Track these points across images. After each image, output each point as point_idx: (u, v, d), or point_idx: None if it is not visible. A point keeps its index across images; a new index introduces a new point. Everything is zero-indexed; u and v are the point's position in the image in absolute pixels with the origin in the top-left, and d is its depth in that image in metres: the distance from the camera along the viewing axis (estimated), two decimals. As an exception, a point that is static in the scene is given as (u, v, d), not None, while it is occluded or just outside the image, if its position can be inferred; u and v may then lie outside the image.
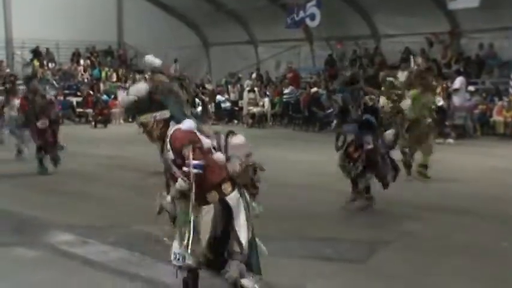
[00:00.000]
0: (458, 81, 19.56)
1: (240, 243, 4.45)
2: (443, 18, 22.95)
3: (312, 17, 23.82)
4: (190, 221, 4.38)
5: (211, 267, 4.57)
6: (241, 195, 4.52)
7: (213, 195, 4.43)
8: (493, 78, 21.53)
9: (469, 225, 8.00)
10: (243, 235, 4.46)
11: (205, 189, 4.40)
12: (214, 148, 4.53)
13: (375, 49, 25.37)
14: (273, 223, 8.09)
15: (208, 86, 27.97)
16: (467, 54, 22.62)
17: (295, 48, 27.64)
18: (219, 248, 4.48)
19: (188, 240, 4.40)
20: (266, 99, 24.48)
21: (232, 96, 26.51)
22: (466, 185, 10.88)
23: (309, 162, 13.37)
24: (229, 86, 27.27)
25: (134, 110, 4.61)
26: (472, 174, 11.69)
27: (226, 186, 4.45)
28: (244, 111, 24.60)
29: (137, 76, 27.98)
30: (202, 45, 31.33)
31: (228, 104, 25.91)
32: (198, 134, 4.43)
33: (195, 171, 4.26)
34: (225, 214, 4.44)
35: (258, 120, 24.16)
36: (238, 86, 26.80)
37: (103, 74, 28.54)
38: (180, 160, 4.36)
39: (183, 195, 4.39)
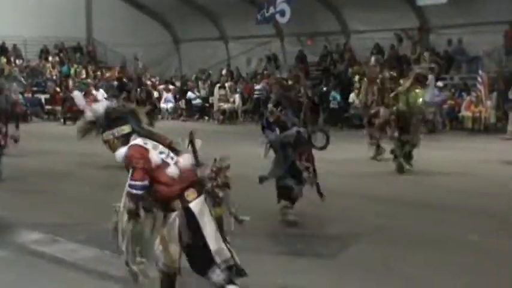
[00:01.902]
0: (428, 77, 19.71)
1: (210, 253, 4.38)
2: (412, 14, 23.13)
3: (282, 13, 23.82)
4: (144, 234, 4.43)
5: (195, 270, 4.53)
6: (206, 199, 4.47)
7: (176, 204, 4.38)
8: (462, 74, 21.77)
9: (439, 218, 8.07)
10: (212, 243, 4.38)
11: (166, 201, 4.39)
12: (174, 156, 4.49)
13: (345, 45, 25.48)
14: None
15: (177, 83, 27.87)
16: (436, 50, 22.83)
17: (265, 44, 27.63)
18: (195, 255, 4.43)
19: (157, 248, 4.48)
20: (237, 96, 24.45)
21: (203, 92, 26.42)
22: (436, 180, 10.97)
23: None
24: (199, 82, 27.18)
25: (92, 130, 4.72)
26: (442, 169, 11.78)
27: (189, 193, 4.39)
28: (215, 108, 24.55)
29: (106, 74, 27.78)
30: (172, 41, 31.15)
31: (198, 101, 25.82)
32: (147, 149, 4.38)
33: (133, 191, 4.27)
34: (191, 222, 4.37)
35: (229, 117, 24.13)
36: (209, 82, 26.73)
37: (72, 71, 28.22)
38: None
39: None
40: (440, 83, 19.87)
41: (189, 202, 4.38)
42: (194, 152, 4.54)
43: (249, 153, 14.18)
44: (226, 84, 24.76)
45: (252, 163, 12.72)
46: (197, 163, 4.51)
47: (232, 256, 4.46)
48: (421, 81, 11.68)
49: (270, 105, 8.14)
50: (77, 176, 11.50)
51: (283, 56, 27.63)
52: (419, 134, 11.61)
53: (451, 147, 15.09)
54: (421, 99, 11.48)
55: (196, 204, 4.39)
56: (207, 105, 25.70)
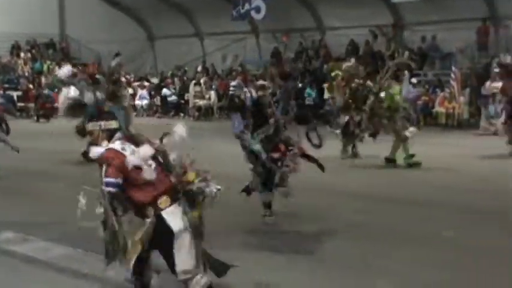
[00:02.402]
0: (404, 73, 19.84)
1: (177, 265, 4.35)
2: (387, 11, 23.24)
3: (258, 9, 23.81)
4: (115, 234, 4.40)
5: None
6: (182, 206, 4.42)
7: (149, 211, 4.33)
8: (435, 70, 21.93)
9: (415, 214, 8.10)
10: (183, 258, 4.33)
11: (139, 206, 4.35)
12: (154, 159, 4.43)
13: (320, 41, 25.52)
14: (217, 217, 8.05)
15: (153, 80, 27.70)
16: (410, 46, 22.96)
17: (241, 41, 27.58)
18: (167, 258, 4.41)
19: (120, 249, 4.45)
20: (212, 92, 24.39)
21: (179, 89, 26.28)
22: (411, 175, 11.04)
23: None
24: (175, 79, 27.06)
25: (79, 113, 4.68)
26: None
27: (162, 201, 4.34)
28: (191, 104, 24.45)
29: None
30: (147, 38, 30.95)
31: (174, 98, 25.69)
32: (124, 155, 4.32)
33: (107, 189, 4.25)
34: (163, 229, 4.32)
35: (204, 113, 24.05)
36: (184, 79, 26.60)
37: (45, 67, 27.90)
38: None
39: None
40: (414, 80, 19.91)
41: (161, 209, 4.33)
42: (165, 157, 4.48)
43: (224, 150, 14.16)
44: (202, 81, 24.67)
45: (228, 159, 12.71)
46: (170, 167, 4.46)
47: (205, 268, 4.50)
48: (398, 75, 11.81)
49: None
50: (50, 173, 11.36)
51: (258, 53, 27.60)
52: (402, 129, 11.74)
53: (426, 142, 15.14)
54: (398, 96, 11.67)
55: (169, 212, 4.34)
56: (182, 102, 25.58)
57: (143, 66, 30.13)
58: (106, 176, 4.26)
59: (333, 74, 13.18)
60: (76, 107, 4.62)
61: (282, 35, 26.65)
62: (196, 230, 4.46)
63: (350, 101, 12.53)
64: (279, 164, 7.55)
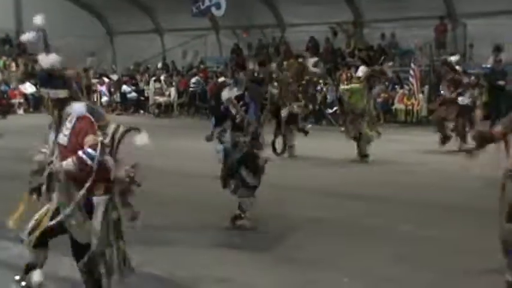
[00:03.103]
0: (361, 70, 19.97)
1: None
2: (347, 8, 23.38)
3: (218, 5, 23.70)
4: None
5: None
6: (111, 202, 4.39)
7: (82, 193, 4.28)
8: (395, 67, 22.11)
9: (374, 210, 8.17)
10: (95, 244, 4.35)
11: (76, 184, 4.28)
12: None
13: (280, 38, 25.55)
14: (178, 213, 8.01)
15: (113, 76, 27.37)
16: (370, 43, 23.16)
17: (201, 37, 27.45)
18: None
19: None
20: (172, 89, 24.24)
21: (141, 85, 26.04)
22: (370, 171, 11.13)
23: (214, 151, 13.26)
24: (137, 76, 26.81)
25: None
26: (376, 160, 11.96)
27: (98, 187, 4.31)
28: (151, 101, 24.26)
29: (37, 66, 26.99)
30: (106, 34, 30.58)
31: (134, 94, 25.44)
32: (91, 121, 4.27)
33: (89, 162, 4.17)
34: (87, 213, 4.33)
35: (165, 110, 23.89)
36: (147, 75, 26.32)
37: (1, 63, 27.32)
38: (78, 146, 4.22)
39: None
40: (374, 77, 20.15)
41: (94, 195, 4.29)
42: (117, 147, 4.41)
43: (184, 147, 14.10)
44: (162, 78, 24.49)
45: (187, 156, 12.66)
46: (115, 158, 4.39)
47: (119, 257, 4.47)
48: (372, 83, 12.11)
49: (229, 93, 7.56)
50: (4, 171, 11.11)
51: (219, 49, 27.52)
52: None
53: (385, 139, 15.28)
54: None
55: (100, 200, 4.31)
56: (142, 98, 25.35)
57: (102, 63, 29.75)
58: (91, 148, 4.14)
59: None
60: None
61: (242, 32, 26.65)
62: (115, 228, 4.43)
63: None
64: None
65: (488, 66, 18.33)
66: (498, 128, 5.08)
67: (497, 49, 18.01)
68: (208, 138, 7.59)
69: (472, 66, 20.08)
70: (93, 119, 4.27)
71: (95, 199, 4.30)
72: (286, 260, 6.11)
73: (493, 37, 18.61)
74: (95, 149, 4.15)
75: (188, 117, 23.48)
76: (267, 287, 5.49)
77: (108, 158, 4.30)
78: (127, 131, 4.46)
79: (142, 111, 24.87)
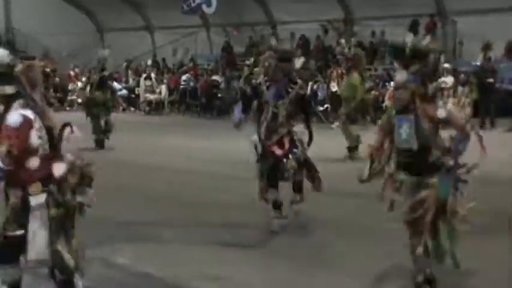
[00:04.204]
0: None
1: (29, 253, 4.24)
2: (337, 6, 23.40)
3: (208, 3, 23.65)
4: None
5: None
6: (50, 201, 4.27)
7: (16, 193, 4.20)
8: (385, 65, 22.19)
9: (360, 207, 8.17)
10: (36, 248, 4.21)
11: (11, 184, 4.20)
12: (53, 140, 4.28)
13: (271, 36, 25.54)
14: (170, 210, 8.01)
15: (104, 73, 27.22)
16: (361, 41, 23.18)
17: (192, 34, 27.40)
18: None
19: None
20: (163, 86, 24.20)
21: (132, 82, 25.94)
22: (356, 168, 11.11)
23: (206, 149, 13.30)
24: (129, 72, 26.71)
25: None
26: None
27: (34, 186, 4.20)
28: (141, 99, 24.22)
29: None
30: (96, 31, 30.47)
31: (124, 92, 25.37)
32: (33, 126, 4.15)
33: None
34: (23, 212, 4.21)
35: (155, 108, 23.86)
36: (139, 73, 26.20)
37: (-10, 61, 27.16)
38: None
39: None
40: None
41: (30, 194, 4.20)
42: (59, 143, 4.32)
43: (175, 144, 14.09)
44: (152, 75, 24.45)
45: (178, 153, 12.65)
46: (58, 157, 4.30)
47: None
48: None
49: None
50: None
51: (209, 47, 27.49)
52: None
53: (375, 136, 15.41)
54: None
55: (38, 199, 4.21)
56: (133, 96, 25.30)
57: (93, 60, 29.63)
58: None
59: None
60: None
61: (233, 29, 26.62)
62: (57, 226, 4.29)
63: None
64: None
65: (478, 63, 18.42)
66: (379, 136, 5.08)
67: (487, 47, 18.08)
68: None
69: (462, 63, 20.18)
70: (32, 120, 4.16)
71: (32, 199, 4.20)
72: (283, 258, 6.11)
73: (483, 35, 18.68)
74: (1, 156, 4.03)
75: (179, 114, 23.45)
76: (262, 285, 5.50)
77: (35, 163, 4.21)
78: (64, 126, 4.37)
79: (132, 109, 24.81)
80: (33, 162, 4.18)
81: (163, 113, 23.65)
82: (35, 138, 4.17)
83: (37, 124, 4.19)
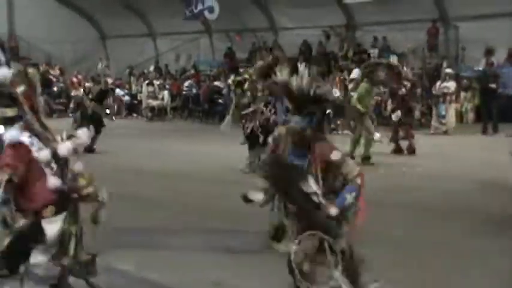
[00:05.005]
0: (356, 72, 20.10)
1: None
2: (339, 11, 23.44)
3: (211, 9, 23.76)
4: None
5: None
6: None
7: (29, 216, 4.16)
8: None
9: (369, 214, 8.15)
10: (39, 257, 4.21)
11: (24, 208, 4.15)
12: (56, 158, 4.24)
13: (273, 42, 25.58)
14: (174, 216, 8.02)
15: (108, 79, 27.28)
16: (363, 47, 23.22)
17: (194, 40, 27.46)
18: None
19: None
20: (165, 92, 24.24)
21: (135, 89, 25.99)
22: (365, 174, 11.12)
23: (208, 154, 13.31)
24: (132, 78, 26.75)
25: None
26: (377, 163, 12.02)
27: (48, 210, 4.16)
28: (144, 105, 24.25)
29: (30, 70, 26.87)
30: (99, 37, 30.55)
31: (127, 98, 25.43)
32: (31, 150, 4.10)
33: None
34: (35, 234, 4.17)
35: (158, 114, 23.90)
36: (142, 79, 26.26)
37: (-7, 67, 27.23)
38: None
39: None
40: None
41: (43, 217, 4.16)
42: (63, 168, 4.29)
43: (178, 150, 14.11)
44: (155, 81, 24.49)
45: (180, 159, 12.66)
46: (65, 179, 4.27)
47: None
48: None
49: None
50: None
51: (212, 53, 27.54)
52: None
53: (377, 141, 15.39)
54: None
55: (53, 221, 4.18)
56: (135, 102, 25.35)
57: (95, 67, 29.71)
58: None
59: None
60: None
61: (236, 35, 26.67)
62: (63, 245, 4.28)
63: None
64: None
65: (480, 69, 18.42)
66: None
67: (489, 52, 18.09)
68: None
69: (464, 69, 20.20)
70: (29, 145, 4.12)
71: (46, 222, 4.16)
72: (281, 263, 6.10)
73: (485, 40, 18.70)
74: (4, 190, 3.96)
75: (181, 120, 23.49)
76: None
77: (53, 180, 4.18)
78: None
79: (135, 115, 24.86)
80: (52, 181, 4.13)
81: (165, 119, 23.67)
82: (39, 155, 4.13)
83: (36, 147, 4.14)
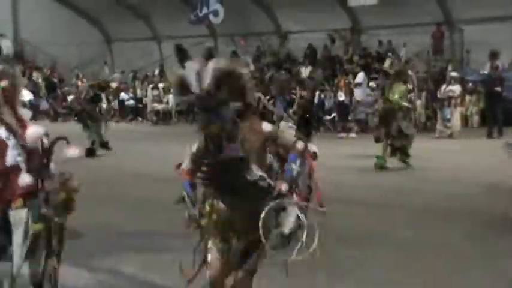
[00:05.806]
0: (361, 76, 20.13)
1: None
2: (344, 15, 23.44)
3: (216, 13, 23.77)
4: None
5: None
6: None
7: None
8: (393, 74, 22.16)
9: (373, 215, 8.15)
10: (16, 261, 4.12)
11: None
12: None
13: (279, 45, 25.60)
14: (178, 219, 7.98)
15: (113, 84, 27.34)
16: (368, 50, 23.22)
17: (199, 44, 27.45)
18: None
19: None
20: (171, 96, 24.22)
21: (140, 93, 26.01)
22: (368, 177, 11.12)
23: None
24: (136, 82, 26.79)
25: None
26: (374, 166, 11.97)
27: (17, 202, 4.11)
28: (149, 109, 24.27)
29: (34, 74, 27.03)
30: (104, 41, 30.62)
31: (132, 102, 25.45)
32: (7, 145, 4.08)
33: None
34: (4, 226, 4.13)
35: (163, 117, 23.90)
36: (146, 83, 26.29)
37: (-2, 71, 27.28)
38: None
39: None
40: (372, 83, 20.17)
41: (11, 208, 4.11)
42: (47, 159, 4.23)
43: (183, 154, 14.08)
44: (160, 85, 24.51)
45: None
46: (47, 174, 4.21)
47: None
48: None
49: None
50: None
51: (217, 56, 27.51)
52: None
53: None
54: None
55: (17, 213, 4.11)
56: (140, 106, 25.36)
57: (101, 70, 29.78)
58: None
59: None
60: None
61: (240, 39, 26.68)
62: (35, 243, 4.17)
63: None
64: None
65: (485, 72, 18.38)
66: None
67: (494, 55, 18.06)
68: None
69: (469, 72, 20.16)
70: (5, 140, 4.09)
71: (12, 214, 4.11)
72: (290, 266, 6.07)
73: (490, 43, 18.66)
74: None
75: (187, 124, 23.47)
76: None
77: (26, 177, 4.12)
78: (54, 142, 4.26)
79: (140, 119, 24.87)
80: (24, 179, 4.10)
81: (170, 122, 23.67)
82: (11, 156, 4.10)
83: (12, 142, 4.11)
